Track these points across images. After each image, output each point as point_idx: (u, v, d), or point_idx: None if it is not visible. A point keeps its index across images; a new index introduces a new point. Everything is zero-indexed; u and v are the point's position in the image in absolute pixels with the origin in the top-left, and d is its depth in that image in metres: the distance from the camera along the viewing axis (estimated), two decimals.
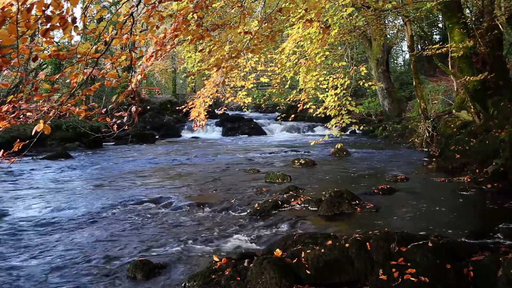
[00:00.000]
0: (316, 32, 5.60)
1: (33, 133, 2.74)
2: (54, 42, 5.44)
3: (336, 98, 5.25)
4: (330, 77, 5.99)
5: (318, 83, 6.94)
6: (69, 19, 2.37)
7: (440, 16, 20.47)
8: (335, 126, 5.23)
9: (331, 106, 5.28)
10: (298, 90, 7.99)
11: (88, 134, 13.41)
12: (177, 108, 9.42)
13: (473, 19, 10.15)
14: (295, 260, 3.54)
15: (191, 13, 3.31)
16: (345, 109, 5.20)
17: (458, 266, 3.31)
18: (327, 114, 5.38)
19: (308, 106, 6.71)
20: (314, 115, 5.92)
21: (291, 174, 8.34)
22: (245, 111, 8.57)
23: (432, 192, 6.74)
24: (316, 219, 5.39)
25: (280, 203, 5.98)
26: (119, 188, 7.80)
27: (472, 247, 3.67)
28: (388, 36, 18.41)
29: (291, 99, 8.60)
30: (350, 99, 5.24)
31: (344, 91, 5.22)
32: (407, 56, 22.13)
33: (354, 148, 12.61)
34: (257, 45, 3.94)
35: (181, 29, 3.24)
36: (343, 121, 5.16)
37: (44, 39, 2.46)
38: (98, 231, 5.25)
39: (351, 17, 5.63)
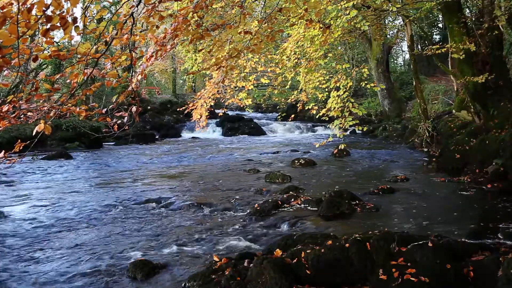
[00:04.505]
0: (318, 34, 5.60)
1: (34, 133, 2.74)
2: (54, 42, 5.44)
3: (338, 100, 5.23)
4: (330, 77, 5.99)
5: (318, 83, 6.94)
6: (70, 19, 2.37)
7: (440, 16, 20.47)
8: (338, 128, 5.22)
9: (334, 107, 5.26)
10: (299, 90, 7.99)
11: (88, 134, 13.41)
12: (178, 109, 9.42)
13: (473, 19, 10.14)
14: (295, 260, 3.54)
15: (191, 13, 3.32)
16: (347, 110, 5.19)
17: (458, 266, 3.31)
18: (330, 115, 5.36)
19: (310, 106, 6.71)
20: (317, 116, 5.91)
21: (291, 174, 8.35)
22: (248, 111, 8.58)
23: (432, 192, 6.75)
24: (316, 219, 5.40)
25: (280, 203, 5.98)
26: (119, 188, 7.80)
27: (472, 247, 3.67)
28: (388, 36, 18.42)
29: (293, 100, 8.59)
30: (352, 100, 5.22)
31: (347, 93, 5.20)
32: (407, 56, 22.15)
33: (354, 148, 12.62)
34: (257, 45, 3.94)
35: (181, 29, 3.24)
36: (346, 123, 5.14)
37: (44, 39, 2.46)
38: (98, 231, 5.26)
39: (353, 21, 5.60)
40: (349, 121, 5.13)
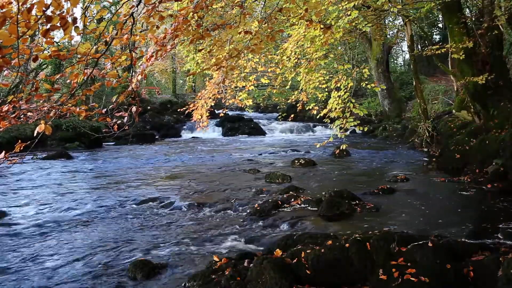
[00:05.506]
0: (319, 35, 5.59)
1: (34, 134, 2.74)
2: (55, 42, 5.44)
3: (339, 101, 5.23)
4: (331, 77, 5.98)
5: (318, 83, 6.93)
6: (70, 20, 2.37)
7: (440, 16, 20.47)
8: (339, 128, 5.21)
9: (335, 108, 5.26)
10: (299, 90, 7.98)
11: (88, 134, 13.42)
12: (178, 110, 9.43)
13: (473, 19, 10.14)
14: (295, 260, 3.54)
15: (191, 13, 3.31)
16: (348, 110, 5.19)
17: (458, 266, 3.31)
18: (332, 116, 5.36)
19: (310, 107, 6.71)
20: (317, 117, 5.91)
21: (291, 174, 8.35)
22: (247, 111, 8.60)
23: (432, 192, 6.75)
24: (316, 219, 5.40)
25: (280, 203, 5.98)
26: (119, 188, 7.80)
27: (472, 247, 3.67)
28: (388, 36, 18.42)
29: (293, 100, 8.59)
30: (353, 100, 5.22)
31: (347, 93, 5.20)
32: (407, 56, 22.14)
33: (354, 148, 12.62)
34: (257, 45, 3.94)
35: (182, 29, 3.24)
36: (347, 123, 5.14)
37: (44, 39, 2.46)
38: (98, 231, 5.26)
39: (355, 21, 5.60)
40: (350, 121, 5.13)
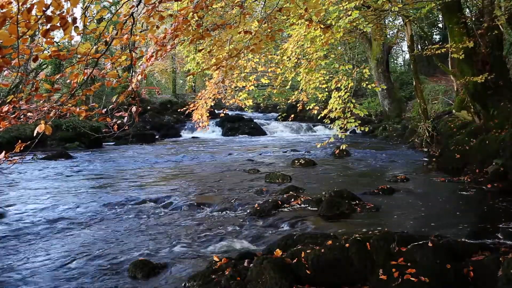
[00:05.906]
0: (320, 35, 5.60)
1: (34, 134, 2.74)
2: (55, 42, 5.44)
3: (340, 101, 5.23)
4: (331, 78, 5.98)
5: (318, 83, 6.94)
6: (70, 20, 2.37)
7: (440, 16, 20.47)
8: (340, 128, 5.21)
9: (335, 108, 5.26)
10: (299, 90, 7.99)
11: (88, 134, 13.42)
12: (178, 110, 9.43)
13: (473, 19, 10.14)
14: (295, 260, 3.54)
15: (191, 13, 3.32)
16: (349, 110, 5.19)
17: (458, 266, 3.31)
18: (332, 117, 5.36)
19: (310, 107, 6.71)
20: (318, 117, 5.93)
21: (291, 174, 8.35)
22: (246, 110, 8.59)
23: (432, 192, 6.75)
24: (316, 219, 5.40)
25: (280, 203, 5.98)
26: (119, 188, 7.80)
27: (472, 247, 3.67)
28: (388, 36, 18.43)
29: (293, 100, 8.60)
30: (354, 101, 5.22)
31: (348, 93, 5.20)
32: (407, 56, 22.14)
33: (354, 148, 12.62)
34: (256, 45, 3.94)
35: (182, 29, 3.24)
36: (348, 122, 5.14)
37: (44, 40, 2.46)
38: (98, 231, 5.25)
39: (355, 22, 5.60)
40: (351, 121, 5.12)
